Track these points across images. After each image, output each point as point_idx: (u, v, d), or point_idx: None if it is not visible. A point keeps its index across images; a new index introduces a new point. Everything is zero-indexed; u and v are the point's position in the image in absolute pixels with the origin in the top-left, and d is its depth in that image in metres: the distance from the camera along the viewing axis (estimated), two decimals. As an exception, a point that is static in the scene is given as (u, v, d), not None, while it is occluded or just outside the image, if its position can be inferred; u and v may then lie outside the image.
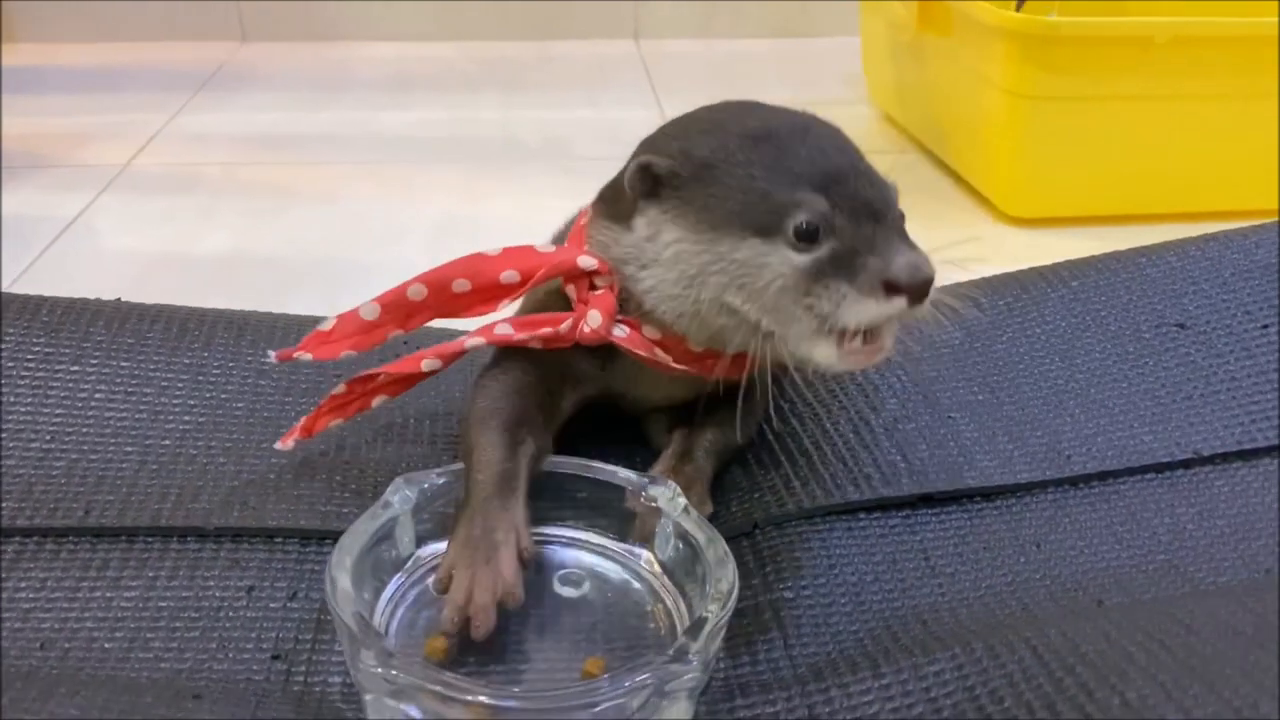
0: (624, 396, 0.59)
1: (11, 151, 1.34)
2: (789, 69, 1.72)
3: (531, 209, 1.22)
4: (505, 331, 0.54)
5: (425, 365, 0.55)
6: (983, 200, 1.18)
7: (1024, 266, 0.71)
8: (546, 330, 0.53)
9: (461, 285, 0.54)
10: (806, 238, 0.48)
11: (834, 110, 1.66)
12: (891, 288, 0.47)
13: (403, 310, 0.55)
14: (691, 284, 0.51)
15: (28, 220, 1.13)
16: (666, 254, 0.51)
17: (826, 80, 1.64)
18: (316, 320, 0.64)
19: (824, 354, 0.48)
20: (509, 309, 0.56)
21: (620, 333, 0.53)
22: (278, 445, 0.55)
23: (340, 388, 0.55)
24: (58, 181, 1.23)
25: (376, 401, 0.56)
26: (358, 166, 1.30)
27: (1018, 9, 1.20)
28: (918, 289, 0.47)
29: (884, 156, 1.37)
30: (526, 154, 1.34)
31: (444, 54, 1.79)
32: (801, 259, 0.48)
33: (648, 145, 0.54)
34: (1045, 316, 0.65)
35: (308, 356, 0.54)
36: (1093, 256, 0.69)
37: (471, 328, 0.55)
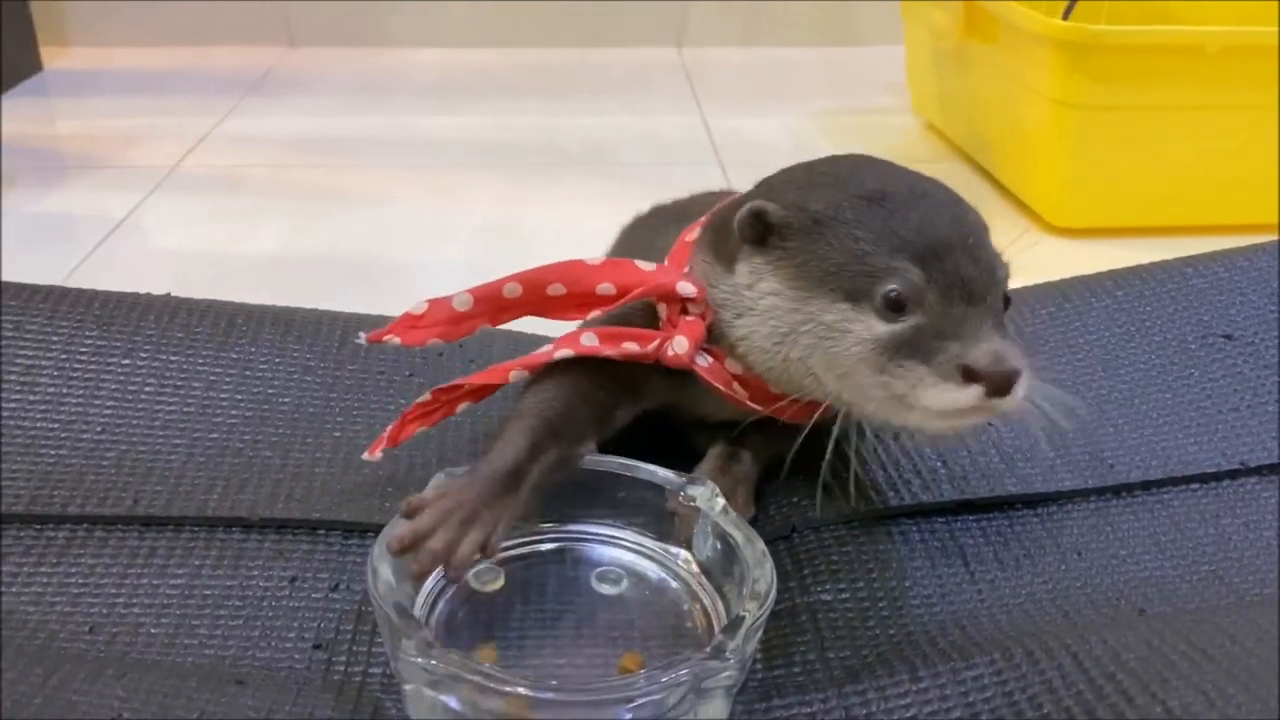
0: (683, 410, 0.58)
1: (64, 152, 1.37)
2: (832, 78, 1.71)
3: (573, 215, 1.23)
4: (591, 343, 0.53)
5: (513, 376, 0.54)
6: (1027, 210, 1.17)
7: (1068, 276, 0.70)
8: (632, 347, 0.53)
9: (557, 289, 0.54)
10: (894, 308, 0.47)
11: (877, 119, 1.66)
12: (970, 374, 0.46)
13: (495, 305, 0.54)
14: (783, 341, 0.50)
15: (79, 219, 1.15)
16: (762, 304, 0.51)
17: (869, 89, 1.64)
18: (361, 318, 0.65)
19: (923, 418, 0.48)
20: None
21: (703, 362, 0.53)
22: (365, 456, 0.54)
23: (426, 396, 0.54)
24: (109, 181, 1.26)
25: (461, 408, 0.56)
26: (403, 170, 1.31)
27: (1065, 16, 1.19)
28: (997, 380, 0.45)
29: (927, 165, 1.36)
30: (569, 160, 1.35)
31: (488, 60, 1.81)
32: (883, 328, 0.47)
33: (764, 189, 0.53)
34: (1089, 326, 0.65)
35: (396, 340, 0.53)
36: (1138, 266, 0.69)
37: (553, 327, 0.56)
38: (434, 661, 0.40)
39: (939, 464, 0.56)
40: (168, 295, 0.64)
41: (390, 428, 0.54)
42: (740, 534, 0.48)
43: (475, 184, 1.26)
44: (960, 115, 1.35)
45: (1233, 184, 1.10)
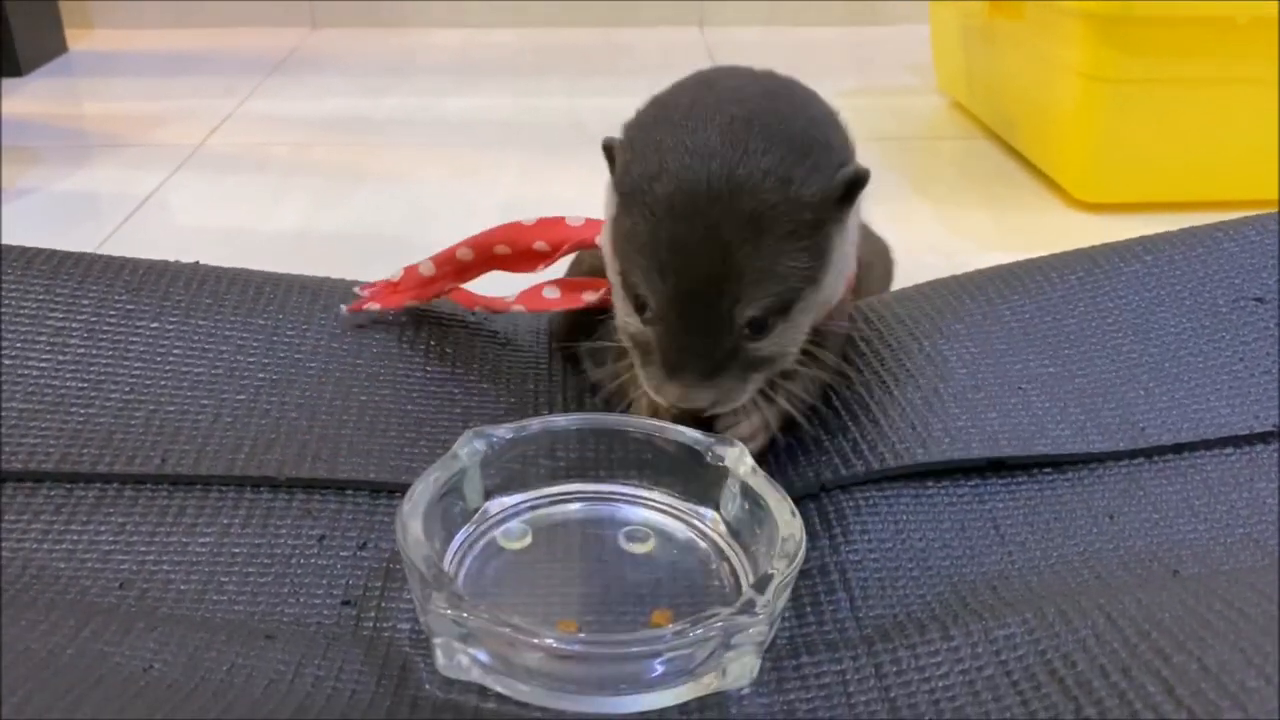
0: None
1: (90, 131, 1.38)
2: (856, 58, 1.70)
3: (595, 194, 1.23)
4: (552, 296, 0.60)
5: (475, 311, 0.62)
6: (1054, 186, 1.17)
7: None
8: (590, 296, 0.58)
9: (502, 250, 0.61)
10: (639, 307, 0.51)
11: (902, 99, 1.66)
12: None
13: (454, 267, 0.62)
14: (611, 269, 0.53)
15: (105, 196, 1.16)
16: (604, 241, 0.54)
17: (893, 69, 1.63)
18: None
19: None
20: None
21: None
22: (344, 309, 0.61)
23: (428, 266, 0.61)
24: (133, 160, 1.26)
25: (443, 292, 0.63)
26: (425, 150, 1.31)
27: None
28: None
29: (953, 144, 1.36)
30: (591, 140, 1.34)
31: (509, 41, 1.81)
32: (635, 324, 0.51)
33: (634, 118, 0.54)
34: (1118, 291, 0.64)
35: (376, 306, 0.60)
36: (1167, 232, 0.68)
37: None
38: (464, 614, 0.40)
39: (968, 424, 0.55)
40: (196, 263, 0.64)
41: (382, 287, 0.62)
42: (770, 493, 0.48)
43: (498, 163, 1.26)
44: (987, 93, 1.34)
45: (1263, 158, 1.09)
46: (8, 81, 1.54)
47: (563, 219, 0.61)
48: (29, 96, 1.49)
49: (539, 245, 0.60)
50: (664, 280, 0.49)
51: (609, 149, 0.53)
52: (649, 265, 0.49)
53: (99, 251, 0.99)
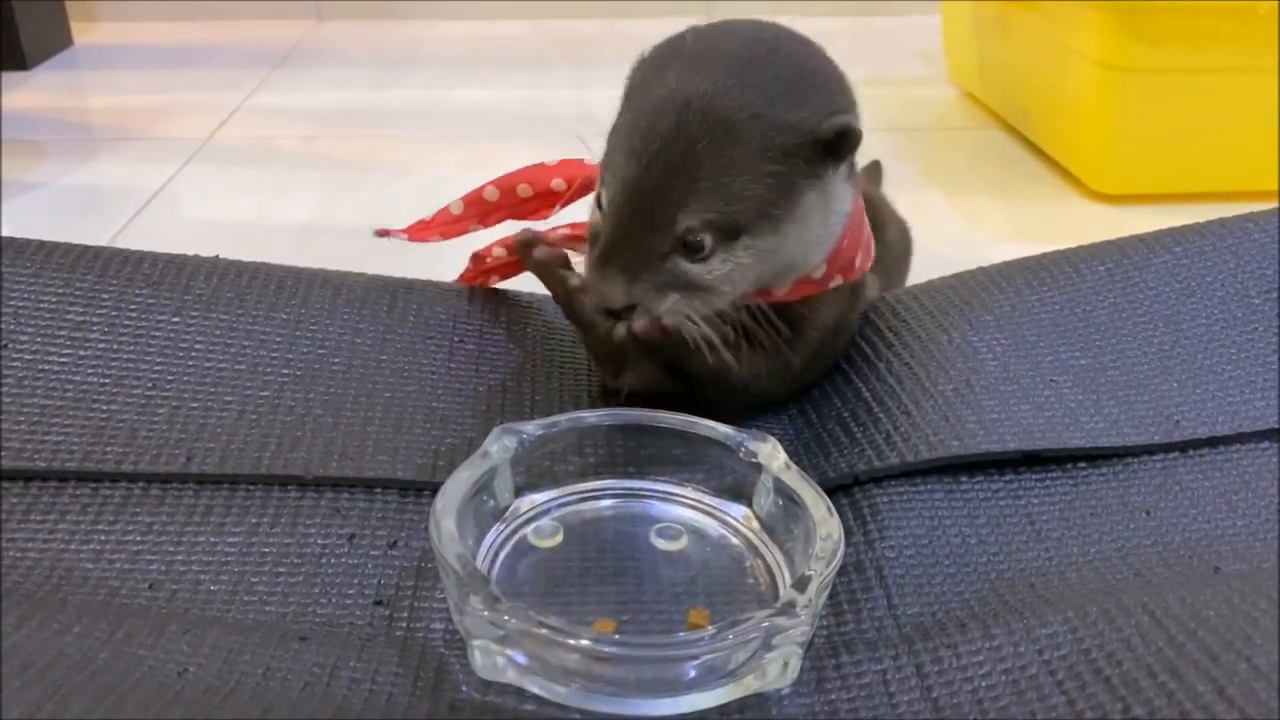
0: None
1: (96, 125, 1.37)
2: (865, 47, 1.69)
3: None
4: (565, 232, 0.62)
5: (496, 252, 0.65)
6: (1070, 177, 1.16)
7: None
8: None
9: (525, 190, 0.63)
10: (599, 204, 0.52)
11: (912, 89, 1.65)
12: None
13: (481, 208, 0.64)
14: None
15: (114, 190, 1.15)
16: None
17: (903, 58, 1.62)
18: (410, 281, 0.65)
19: None
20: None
21: None
22: (376, 231, 0.65)
23: (458, 205, 0.64)
24: (141, 154, 1.25)
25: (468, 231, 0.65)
26: (433, 141, 1.30)
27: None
28: (608, 312, 0.51)
29: (966, 134, 1.35)
30: (599, 130, 1.34)
31: (515, 32, 1.80)
32: (598, 220, 0.52)
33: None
34: (1148, 282, 0.63)
35: (404, 237, 0.65)
36: (1196, 223, 0.67)
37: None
38: (504, 616, 0.39)
39: (1002, 416, 0.55)
40: (217, 257, 0.63)
41: (414, 225, 0.65)
42: (805, 490, 0.47)
43: (507, 154, 1.25)
44: (1000, 82, 1.33)
45: (1283, 148, 1.08)
46: (13, 75, 1.53)
47: (583, 159, 0.62)
48: (35, 90, 1.49)
49: (556, 184, 0.62)
50: (624, 170, 0.49)
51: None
52: (617, 155, 0.50)
53: (111, 245, 0.99)
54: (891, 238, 0.76)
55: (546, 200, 0.63)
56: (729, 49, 0.51)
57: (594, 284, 0.50)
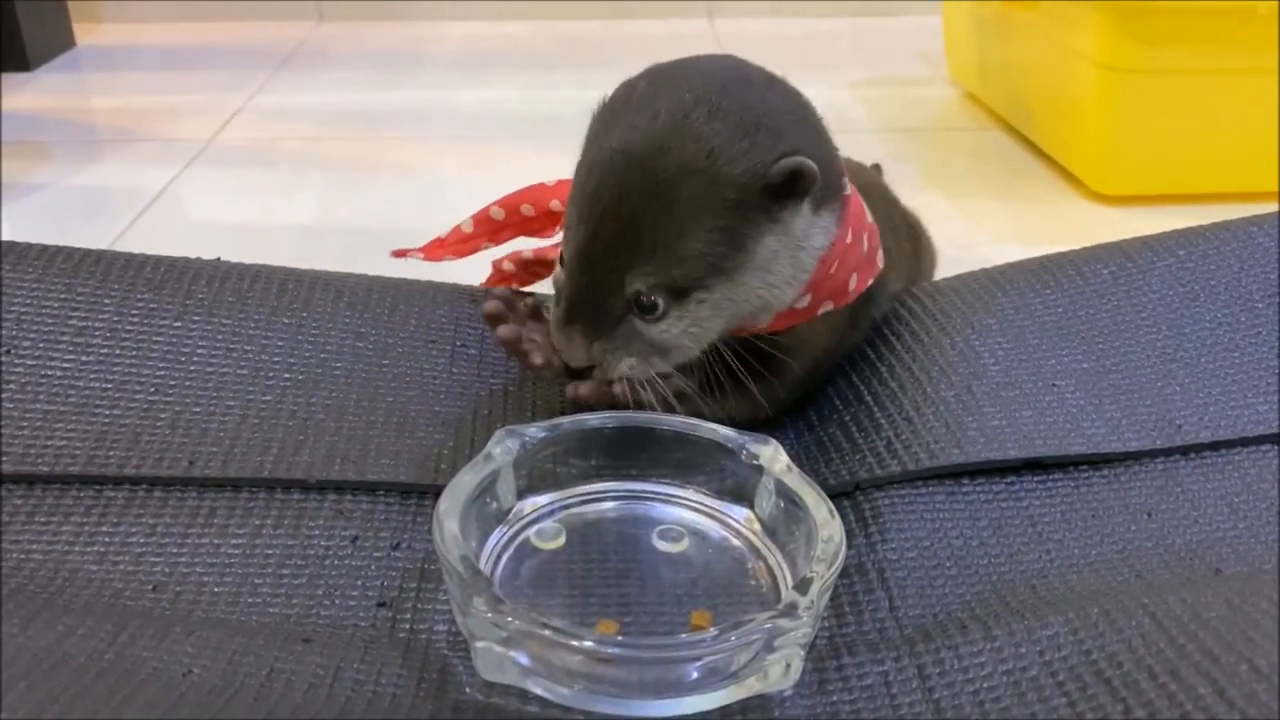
0: None
1: (99, 126, 1.38)
2: (866, 48, 1.69)
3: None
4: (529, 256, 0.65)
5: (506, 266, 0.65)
6: (1070, 178, 1.16)
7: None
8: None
9: (528, 210, 0.63)
10: (561, 261, 0.53)
11: (913, 90, 1.64)
12: None
13: (490, 227, 0.64)
14: None
15: (117, 192, 1.15)
16: None
17: (904, 59, 1.62)
18: (412, 283, 0.65)
19: None
20: None
21: None
22: (392, 253, 0.65)
23: (468, 224, 0.64)
24: (144, 155, 1.26)
25: (484, 245, 0.65)
26: (436, 142, 1.31)
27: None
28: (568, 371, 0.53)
29: (966, 135, 1.35)
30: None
31: (517, 33, 1.80)
32: (560, 276, 0.53)
33: None
34: (1151, 285, 0.64)
35: (420, 257, 0.64)
36: (1200, 226, 0.67)
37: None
38: (507, 618, 0.39)
39: (1003, 422, 0.55)
40: (218, 260, 0.63)
41: (428, 245, 0.65)
42: (807, 492, 0.48)
43: (509, 154, 1.26)
44: (1001, 83, 1.33)
45: (1283, 149, 1.08)
46: (16, 77, 1.53)
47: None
48: (37, 91, 1.49)
49: (554, 204, 0.62)
50: (577, 231, 0.50)
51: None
52: (571, 212, 0.52)
53: (113, 247, 0.99)
54: (924, 262, 0.76)
55: (549, 220, 0.63)
56: (677, 98, 0.50)
57: (557, 344, 0.52)
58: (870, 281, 0.58)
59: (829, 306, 0.56)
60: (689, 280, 0.50)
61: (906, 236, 0.71)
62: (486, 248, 0.65)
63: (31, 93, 1.48)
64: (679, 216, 0.49)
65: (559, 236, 0.62)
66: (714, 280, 0.51)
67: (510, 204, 0.64)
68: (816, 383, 0.60)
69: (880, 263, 0.59)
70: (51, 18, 1.63)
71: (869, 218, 0.58)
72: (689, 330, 0.52)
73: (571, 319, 0.51)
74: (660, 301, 0.51)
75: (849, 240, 0.55)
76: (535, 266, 0.65)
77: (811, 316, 0.56)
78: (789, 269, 0.52)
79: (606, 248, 0.50)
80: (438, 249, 0.65)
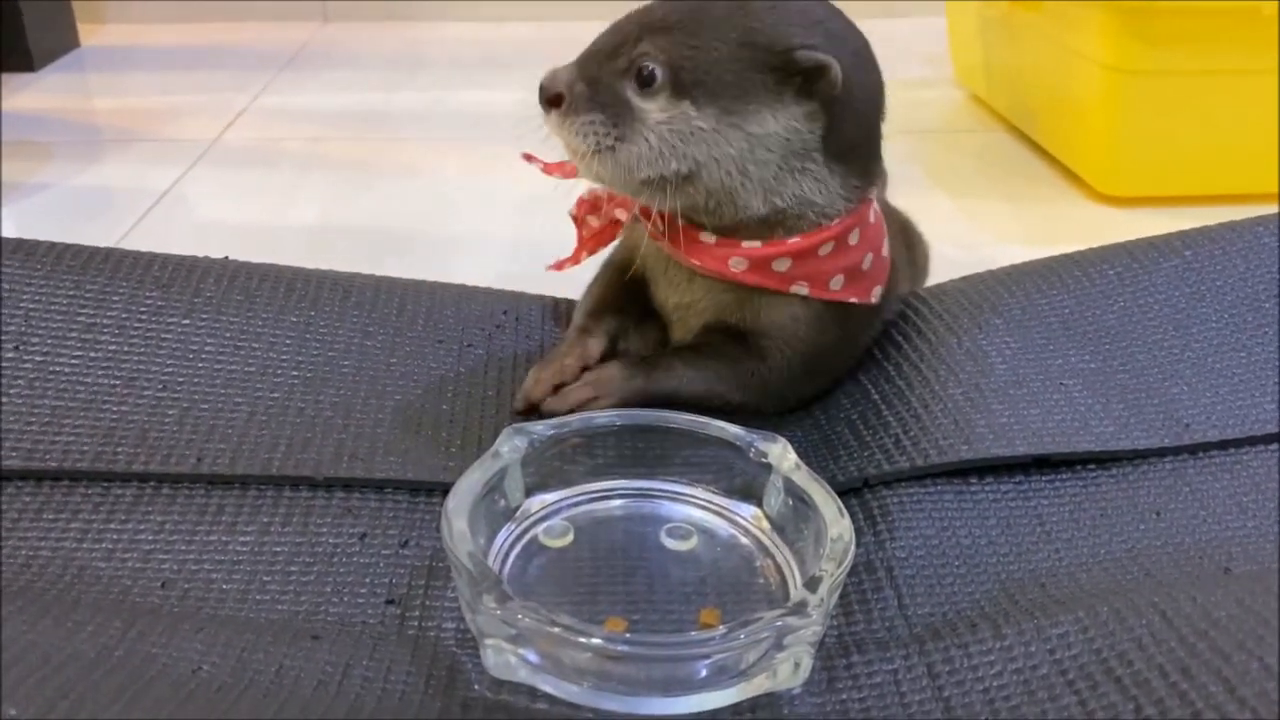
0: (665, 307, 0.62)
1: (103, 126, 1.38)
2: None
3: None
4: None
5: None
6: (1076, 179, 1.16)
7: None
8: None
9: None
10: None
11: (918, 91, 1.64)
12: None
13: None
14: None
15: (122, 192, 1.15)
16: None
17: (909, 60, 1.62)
18: (419, 283, 0.65)
19: None
20: None
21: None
22: (549, 267, 0.67)
23: (594, 223, 0.66)
24: (148, 155, 1.26)
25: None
26: (441, 143, 1.31)
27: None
28: (543, 94, 0.54)
29: (971, 136, 1.35)
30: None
31: (521, 35, 1.80)
32: None
33: None
34: (1157, 286, 0.64)
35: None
36: (1206, 226, 0.67)
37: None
38: (517, 615, 0.39)
39: (1011, 420, 0.55)
40: (226, 259, 0.63)
41: (569, 258, 0.67)
42: (816, 490, 0.48)
43: (514, 156, 1.25)
44: (1006, 84, 1.33)
45: (1289, 150, 1.08)
46: (20, 77, 1.53)
47: None
48: (42, 92, 1.49)
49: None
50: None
51: None
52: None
53: (118, 247, 0.99)
54: (920, 262, 0.77)
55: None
56: None
57: (544, 79, 0.54)
58: (855, 299, 0.58)
59: (803, 289, 0.56)
60: (693, 76, 0.52)
61: (903, 242, 0.71)
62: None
63: (35, 93, 1.49)
64: (709, 27, 0.52)
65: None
66: (709, 103, 0.52)
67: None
68: (821, 381, 0.60)
69: (875, 297, 0.59)
70: (56, 18, 1.63)
71: (885, 249, 0.60)
72: (669, 128, 0.53)
73: (569, 65, 0.54)
74: (659, 76, 0.52)
75: (851, 242, 0.56)
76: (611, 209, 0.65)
77: (782, 288, 0.56)
78: (763, 152, 0.53)
79: (631, 20, 0.54)
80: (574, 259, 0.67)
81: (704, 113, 0.52)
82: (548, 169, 0.65)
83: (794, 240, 0.55)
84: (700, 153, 0.53)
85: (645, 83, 0.52)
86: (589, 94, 0.53)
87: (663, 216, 0.55)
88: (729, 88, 0.52)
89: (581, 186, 0.64)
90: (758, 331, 0.57)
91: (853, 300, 0.58)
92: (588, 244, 0.67)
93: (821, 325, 0.58)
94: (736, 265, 0.56)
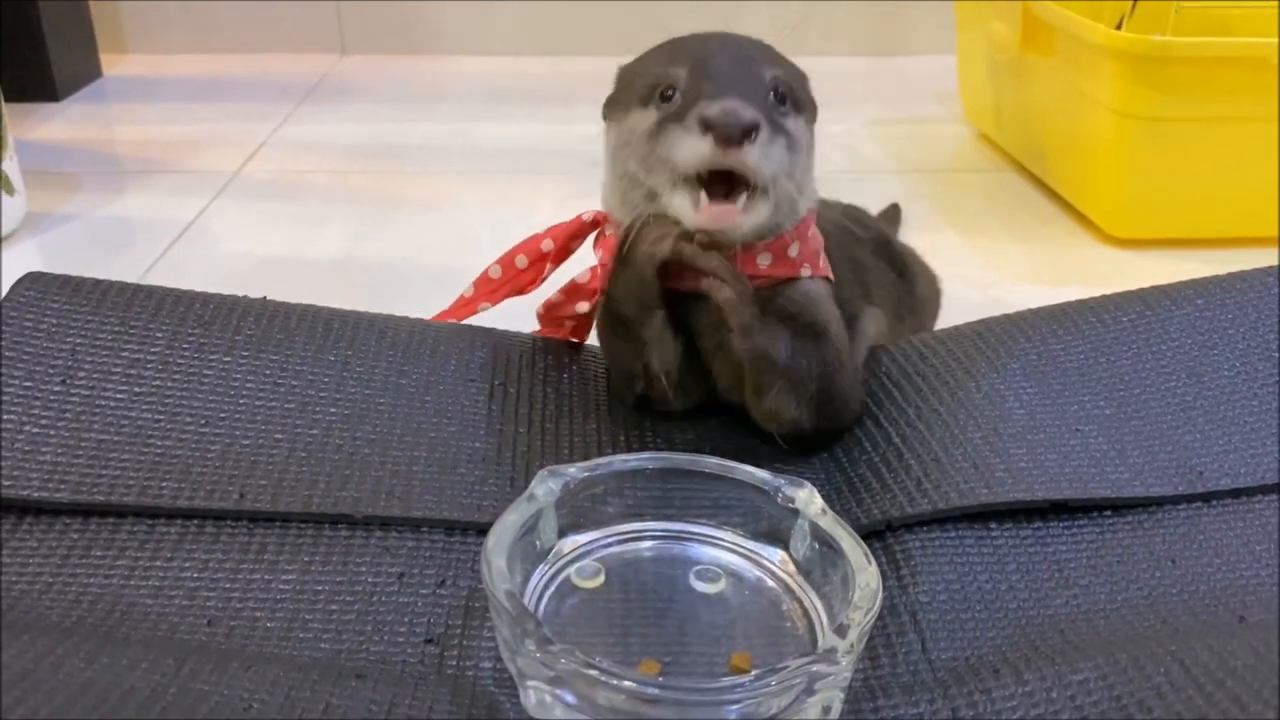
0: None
1: (126, 157, 1.40)
2: (880, 88, 1.71)
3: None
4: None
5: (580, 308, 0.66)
6: (1085, 221, 1.18)
7: (1132, 288, 0.70)
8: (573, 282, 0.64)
9: (521, 261, 0.66)
10: (666, 99, 0.56)
11: (928, 129, 1.65)
12: (706, 127, 0.52)
13: (488, 286, 0.68)
14: (614, 163, 0.60)
15: (146, 223, 1.17)
16: (608, 157, 0.61)
17: (919, 99, 1.64)
18: (452, 327, 0.68)
19: (680, 205, 0.55)
20: None
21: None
22: (429, 319, 0.68)
23: (469, 288, 0.68)
24: (172, 186, 1.28)
25: (482, 307, 0.69)
26: (460, 176, 1.32)
27: (1119, 27, 1.20)
28: (723, 128, 0.51)
29: (981, 175, 1.37)
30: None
31: (537, 69, 1.82)
32: (656, 113, 0.56)
33: None
34: (1170, 334, 0.65)
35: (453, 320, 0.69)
36: (1217, 275, 0.69)
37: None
38: (557, 658, 0.40)
39: (1030, 464, 0.56)
40: (264, 298, 0.65)
41: (457, 306, 0.69)
42: (842, 536, 0.49)
43: (533, 189, 1.27)
44: (1016, 125, 1.35)
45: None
46: (45, 107, 1.55)
47: (564, 220, 0.66)
48: (66, 121, 1.51)
49: (545, 245, 0.66)
50: (692, 53, 0.57)
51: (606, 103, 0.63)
52: (664, 60, 0.58)
53: (144, 279, 1.01)
54: (922, 292, 0.78)
55: (538, 266, 0.66)
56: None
57: (714, 112, 0.52)
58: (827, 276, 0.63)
59: (808, 271, 0.61)
60: (794, 94, 0.58)
61: (889, 266, 0.74)
62: (485, 308, 0.69)
63: (60, 123, 1.51)
64: (774, 54, 0.59)
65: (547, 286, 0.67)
66: (797, 121, 0.58)
67: (507, 258, 0.67)
68: (839, 405, 0.62)
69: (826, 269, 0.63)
70: (79, 46, 1.65)
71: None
72: (802, 136, 0.58)
73: (724, 91, 0.53)
74: (788, 96, 0.57)
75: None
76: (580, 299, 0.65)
77: (793, 272, 0.60)
78: (810, 166, 0.60)
79: (739, 47, 0.58)
80: (443, 316, 0.70)
81: (801, 124, 0.58)
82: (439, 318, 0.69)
83: (790, 229, 0.60)
84: (802, 165, 0.58)
85: (783, 100, 0.56)
86: (767, 116, 0.54)
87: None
88: (793, 101, 0.58)
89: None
90: (794, 315, 0.60)
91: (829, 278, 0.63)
92: (459, 314, 0.70)
93: (830, 301, 0.62)
94: (763, 261, 0.59)
